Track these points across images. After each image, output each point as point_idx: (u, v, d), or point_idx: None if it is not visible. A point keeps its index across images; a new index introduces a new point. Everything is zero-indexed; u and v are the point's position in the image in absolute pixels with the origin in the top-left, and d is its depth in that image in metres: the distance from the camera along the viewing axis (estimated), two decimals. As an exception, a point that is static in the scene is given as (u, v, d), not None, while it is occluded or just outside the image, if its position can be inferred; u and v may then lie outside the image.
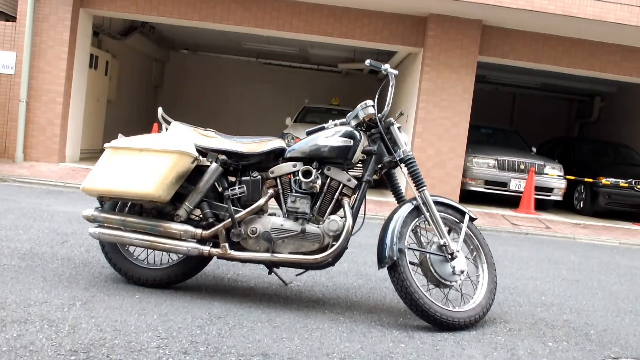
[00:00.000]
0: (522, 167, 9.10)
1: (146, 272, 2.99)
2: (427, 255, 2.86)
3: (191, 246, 2.86)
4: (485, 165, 9.12)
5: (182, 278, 3.00)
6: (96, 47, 10.29)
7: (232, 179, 3.05)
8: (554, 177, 9.17)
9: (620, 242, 7.17)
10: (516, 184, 9.04)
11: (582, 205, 9.76)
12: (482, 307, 2.88)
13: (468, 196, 9.34)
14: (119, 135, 3.01)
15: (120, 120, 12.29)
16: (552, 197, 9.19)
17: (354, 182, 2.94)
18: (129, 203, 3.00)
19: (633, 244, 7.14)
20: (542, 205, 9.30)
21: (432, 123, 8.79)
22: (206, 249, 2.87)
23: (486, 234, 6.75)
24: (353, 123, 3.04)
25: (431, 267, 2.84)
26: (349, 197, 2.93)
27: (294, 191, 2.91)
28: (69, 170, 8.08)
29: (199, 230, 2.88)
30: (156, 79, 15.09)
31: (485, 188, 9.10)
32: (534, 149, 10.14)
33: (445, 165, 8.82)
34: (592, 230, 7.84)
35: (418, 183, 2.97)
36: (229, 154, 2.96)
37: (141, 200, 2.83)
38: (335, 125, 3.07)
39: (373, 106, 3.02)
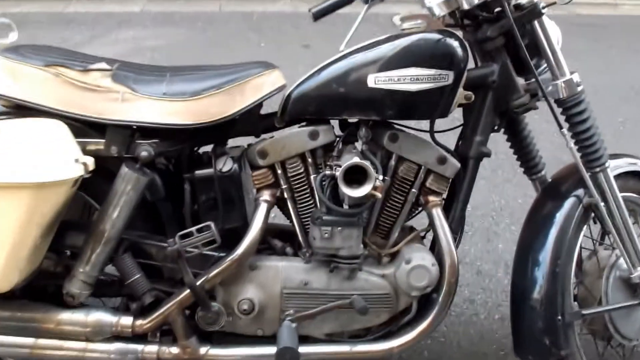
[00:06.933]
0: None
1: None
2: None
3: (116, 349, 1.44)
4: None
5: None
6: None
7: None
8: None
9: None
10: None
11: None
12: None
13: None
14: None
15: None
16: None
17: (454, 163, 1.44)
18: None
19: None
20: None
21: None
22: (152, 349, 1.46)
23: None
24: (438, 12, 1.39)
25: (609, 324, 1.56)
26: (440, 194, 1.47)
27: (321, 203, 1.40)
28: None
29: (127, 320, 1.43)
30: None
31: None
32: None
33: None
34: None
35: (592, 154, 1.47)
36: (159, 131, 1.37)
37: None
38: (403, 22, 1.43)
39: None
